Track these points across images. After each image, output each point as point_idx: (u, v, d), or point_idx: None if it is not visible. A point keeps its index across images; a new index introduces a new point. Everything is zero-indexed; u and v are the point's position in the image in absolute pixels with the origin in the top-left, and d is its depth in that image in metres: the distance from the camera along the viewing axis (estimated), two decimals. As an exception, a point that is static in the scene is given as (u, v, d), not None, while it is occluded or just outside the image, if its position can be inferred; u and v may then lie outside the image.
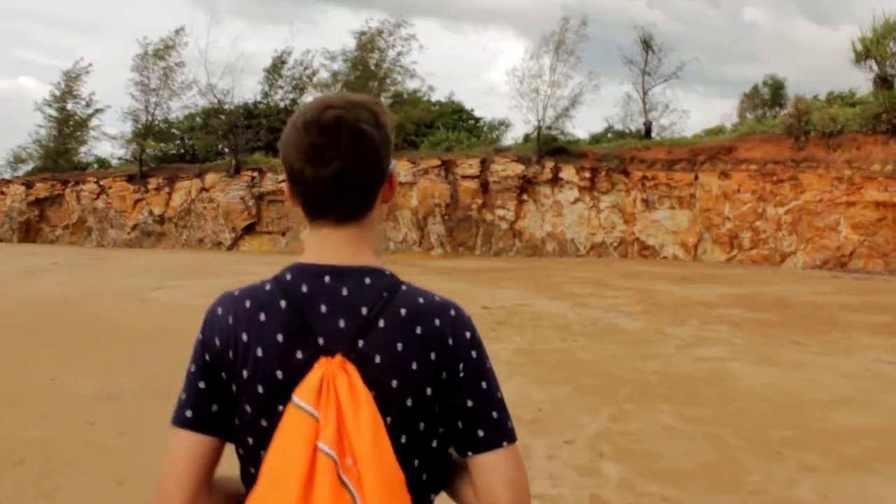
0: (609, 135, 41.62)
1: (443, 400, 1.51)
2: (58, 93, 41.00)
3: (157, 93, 38.70)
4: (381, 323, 1.48)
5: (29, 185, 39.92)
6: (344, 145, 1.48)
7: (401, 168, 33.74)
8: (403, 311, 1.50)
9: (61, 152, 41.56)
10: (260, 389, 1.47)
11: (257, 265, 23.28)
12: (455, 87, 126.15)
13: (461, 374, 1.51)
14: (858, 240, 27.85)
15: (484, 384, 1.53)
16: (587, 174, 32.48)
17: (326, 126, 1.48)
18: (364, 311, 1.48)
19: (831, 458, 6.44)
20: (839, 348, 11.46)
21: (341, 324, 1.47)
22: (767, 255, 29.92)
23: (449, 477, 1.61)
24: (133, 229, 37.82)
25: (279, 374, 1.46)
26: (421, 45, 38.56)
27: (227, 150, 38.01)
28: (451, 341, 1.51)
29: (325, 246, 1.55)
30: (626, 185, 32.63)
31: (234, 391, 1.51)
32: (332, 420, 1.36)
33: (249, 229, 36.28)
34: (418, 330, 1.49)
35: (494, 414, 1.52)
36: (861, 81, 38.76)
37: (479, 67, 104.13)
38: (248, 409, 1.49)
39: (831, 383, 9.18)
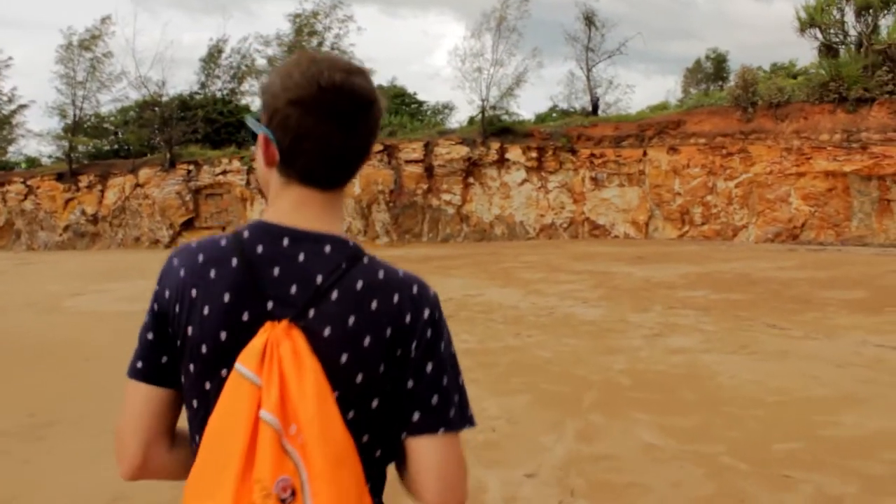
0: (554, 114, 40.36)
1: (394, 378, 1.41)
2: (-24, 88, 38.42)
3: (84, 86, 36.35)
4: (335, 294, 1.38)
5: (-50, 187, 37.48)
6: (370, 119, 1.44)
7: (342, 155, 32.11)
8: (360, 284, 1.40)
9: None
10: (203, 349, 1.39)
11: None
12: (397, 72, 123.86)
13: (412, 354, 1.41)
14: (809, 211, 27.04)
15: (430, 366, 1.43)
16: (534, 154, 31.20)
17: (360, 96, 1.41)
18: (319, 279, 1.39)
19: (852, 479, 5.13)
20: (820, 330, 10.25)
21: (293, 290, 1.38)
22: (719, 230, 28.98)
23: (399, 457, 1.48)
24: (65, 230, 35.62)
25: (223, 335, 1.38)
26: (359, 27, 36.83)
27: (162, 143, 35.90)
28: (407, 318, 1.41)
29: (294, 208, 1.45)
30: (573, 164, 31.44)
31: (179, 346, 1.44)
32: (275, 387, 1.28)
33: (188, 225, 34.33)
34: (373, 304, 1.39)
35: (435, 399, 1.42)
36: (802, 53, 38.18)
37: (420, 52, 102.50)
38: (191, 368, 1.42)
39: (825, 376, 7.91)
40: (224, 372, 1.37)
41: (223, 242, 1.45)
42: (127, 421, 1.47)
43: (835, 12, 29.05)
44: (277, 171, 1.47)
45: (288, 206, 1.46)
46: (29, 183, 36.26)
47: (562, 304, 13.32)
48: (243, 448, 1.26)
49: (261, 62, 36.89)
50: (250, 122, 1.49)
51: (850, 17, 28.87)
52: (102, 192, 35.28)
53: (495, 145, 31.26)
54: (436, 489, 1.40)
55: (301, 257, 1.40)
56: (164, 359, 1.47)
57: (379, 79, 44.62)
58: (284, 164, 1.45)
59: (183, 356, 1.44)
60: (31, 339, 11.56)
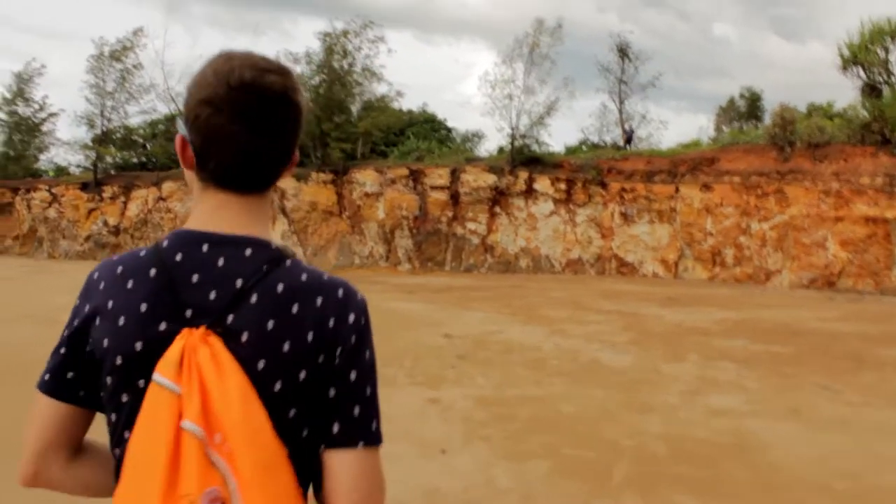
0: (584, 147, 39.24)
1: (315, 386, 1.34)
2: (9, 95, 37.96)
3: (112, 96, 35.75)
4: (254, 298, 1.32)
5: (-25, 193, 36.96)
6: (283, 118, 1.37)
7: (367, 178, 31.14)
8: (280, 287, 1.33)
9: (12, 158, 38.46)
10: (118, 360, 1.33)
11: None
12: (428, 99, 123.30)
13: (336, 361, 1.35)
14: (847, 257, 25.65)
15: (353, 375, 1.36)
16: (563, 185, 30.01)
17: (272, 95, 1.34)
18: (238, 283, 1.32)
19: None
20: (881, 396, 8.96)
21: (212, 296, 1.32)
22: (752, 274, 27.60)
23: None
24: (86, 240, 34.92)
25: (138, 345, 1.31)
26: (390, 48, 35.80)
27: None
28: (331, 323, 1.35)
29: (214, 213, 1.39)
30: (603, 198, 30.17)
31: (95, 360, 1.36)
32: (196, 394, 1.23)
33: (208, 241, 33.50)
34: (294, 308, 1.33)
35: (357, 410, 1.35)
36: (837, 95, 36.87)
37: (452, 80, 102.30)
38: (108, 381, 1.35)
39: (898, 456, 6.67)
40: (142, 383, 1.31)
41: (142, 253, 1.39)
42: (28, 430, 1.42)
43: (879, 51, 27.81)
44: (196, 175, 1.41)
45: (207, 211, 1.39)
46: (54, 191, 35.69)
47: (588, 347, 12.12)
48: (167, 461, 1.21)
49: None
50: (178, 122, 1.41)
51: (894, 55, 27.62)
52: (125, 203, 34.59)
53: (523, 175, 30.13)
54: None
55: (220, 262, 1.34)
56: (70, 374, 1.39)
57: (409, 104, 43.95)
58: (199, 167, 1.39)
59: (101, 370, 1.35)
60: (20, 352, 10.55)
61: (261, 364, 1.28)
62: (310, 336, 1.32)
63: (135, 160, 41.21)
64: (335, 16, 36.68)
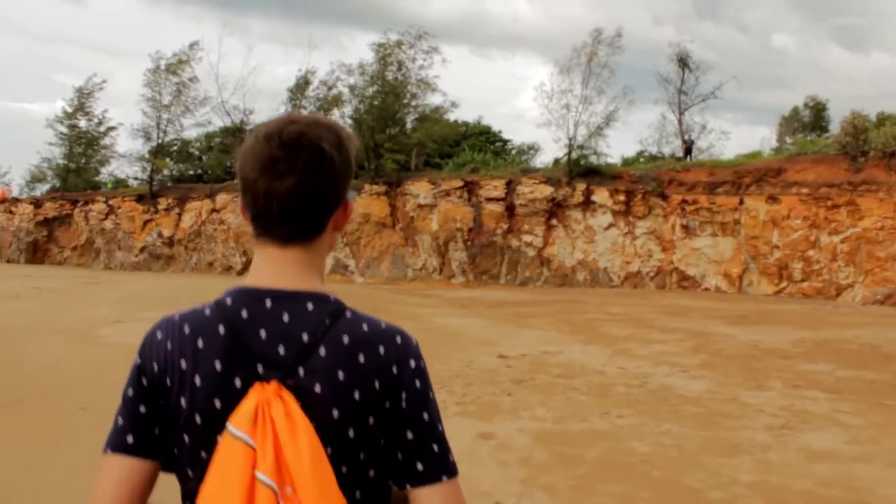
0: (641, 159, 37.81)
1: (385, 429, 1.38)
2: (70, 109, 37.91)
3: (168, 109, 35.44)
4: (322, 351, 1.35)
5: (38, 205, 36.91)
6: (302, 161, 1.37)
7: (421, 190, 30.18)
8: (346, 339, 1.37)
9: (73, 170, 38.43)
10: (198, 419, 1.34)
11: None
12: (484, 112, 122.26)
13: (403, 405, 1.39)
14: (925, 272, 23.95)
15: (426, 415, 1.41)
16: (622, 197, 28.72)
17: (287, 140, 1.37)
18: (305, 337, 1.36)
19: None
20: None
21: (281, 350, 1.35)
22: (821, 289, 26.00)
23: None
24: (141, 251, 34.59)
25: (217, 403, 1.33)
26: (444, 58, 34.87)
27: (240, 169, 34.69)
28: (395, 370, 1.39)
29: (270, 268, 1.42)
30: (663, 210, 28.82)
31: (172, 418, 1.37)
32: (270, 448, 1.25)
33: (261, 253, 32.86)
34: (361, 358, 1.37)
35: (435, 447, 1.40)
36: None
37: (507, 94, 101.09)
38: (186, 438, 1.37)
39: None
40: (220, 439, 1.31)
41: (207, 312, 1.40)
42: (103, 497, 1.37)
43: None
44: (252, 231, 1.46)
45: (264, 267, 1.43)
46: (110, 203, 35.48)
47: (656, 371, 10.91)
48: None
49: (342, 90, 35.34)
50: None
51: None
52: (180, 215, 34.20)
53: (581, 186, 28.91)
54: None
55: (285, 317, 1.37)
56: (157, 431, 1.39)
57: (464, 117, 42.99)
58: (252, 223, 1.44)
59: (176, 428, 1.37)
60: (39, 373, 9.75)
61: (335, 413, 1.32)
62: (377, 383, 1.36)
63: (191, 172, 40.95)
64: (391, 29, 35.89)
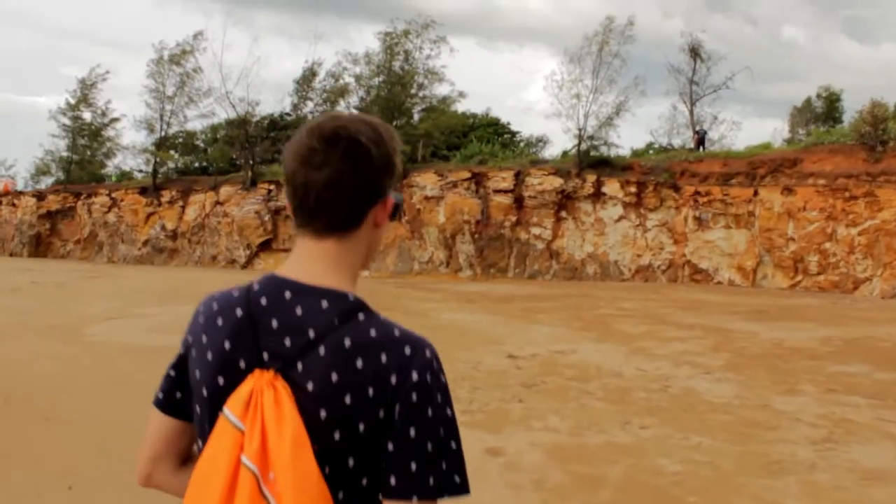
0: (651, 151, 36.78)
1: (375, 438, 1.35)
2: (73, 101, 37.06)
3: (172, 100, 34.56)
4: (322, 350, 1.34)
5: (40, 198, 36.14)
6: (338, 153, 1.38)
7: (427, 181, 29.28)
8: (348, 342, 1.34)
9: (76, 163, 37.62)
10: (204, 392, 1.40)
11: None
12: (491, 105, 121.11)
13: (395, 416, 1.34)
14: (946, 266, 23.00)
15: (412, 431, 1.34)
16: (633, 189, 27.76)
17: (326, 133, 1.39)
18: (311, 334, 1.35)
19: None
20: None
21: (287, 342, 1.36)
22: (838, 282, 25.03)
23: None
24: (144, 245, 33.78)
25: (220, 380, 1.38)
26: (451, 48, 33.92)
27: (244, 161, 33.77)
28: (393, 380, 1.34)
29: (302, 259, 1.43)
30: (676, 202, 27.85)
31: (190, 388, 1.45)
32: (257, 434, 1.28)
33: (265, 246, 32.03)
34: (359, 363, 1.34)
35: (413, 465, 1.33)
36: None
37: (515, 87, 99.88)
38: (197, 409, 1.43)
39: None
40: (219, 414, 1.35)
41: (235, 293, 1.43)
42: (144, 439, 1.51)
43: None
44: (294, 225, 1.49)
45: (296, 258, 1.44)
46: (113, 195, 34.69)
47: (677, 372, 10.03)
48: (224, 489, 1.26)
49: (348, 80, 34.43)
50: None
51: None
52: (183, 207, 33.40)
53: (591, 178, 27.96)
54: None
55: (298, 310, 1.37)
56: (179, 395, 1.47)
57: (473, 109, 42.08)
58: (293, 215, 1.46)
59: (191, 397, 1.44)
60: (7, 374, 8.93)
61: (322, 413, 1.31)
62: (370, 391, 1.32)
63: (196, 165, 40.13)
64: (398, 18, 35.01)
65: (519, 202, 28.44)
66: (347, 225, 1.40)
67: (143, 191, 34.10)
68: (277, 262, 31.00)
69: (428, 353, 1.38)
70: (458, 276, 28.47)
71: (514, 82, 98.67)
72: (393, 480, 1.32)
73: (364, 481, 1.34)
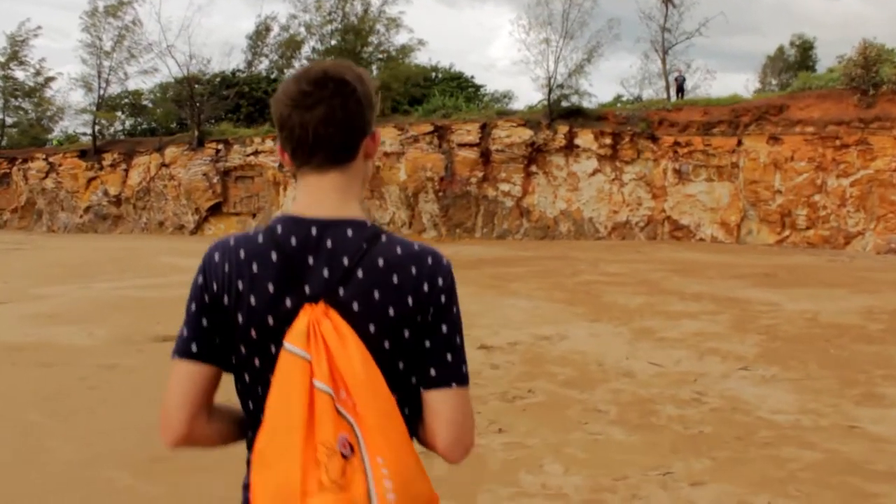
0: (619, 104, 33.89)
1: (417, 340, 1.46)
2: (2, 58, 33.24)
3: (110, 56, 30.95)
4: (360, 273, 1.42)
5: (-29, 165, 32.52)
6: (328, 92, 1.44)
7: (387, 136, 26.18)
8: (381, 262, 1.44)
9: (11, 126, 33.95)
10: (253, 334, 1.45)
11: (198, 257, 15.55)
12: (454, 61, 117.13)
13: (430, 318, 1.46)
14: (944, 216, 20.61)
15: (444, 328, 1.47)
16: (608, 140, 24.96)
17: (314, 77, 1.45)
18: (346, 261, 1.43)
19: None
20: None
21: (325, 273, 1.42)
22: (828, 237, 22.60)
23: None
24: (86, 212, 30.45)
25: (270, 320, 1.43)
26: (407, -5, 30.65)
27: (190, 120, 30.35)
28: (425, 287, 1.45)
29: (311, 195, 1.49)
30: (654, 154, 25.13)
31: (230, 331, 1.47)
32: (324, 359, 1.33)
33: (215, 210, 28.87)
34: (395, 279, 1.43)
35: (449, 356, 1.47)
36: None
37: (477, 43, 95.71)
38: (242, 349, 1.47)
39: None
40: (273, 349, 1.40)
41: (259, 239, 1.46)
42: (173, 397, 1.47)
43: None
44: (292, 167, 1.52)
45: (305, 195, 1.48)
46: (51, 160, 31.19)
47: (706, 369, 7.29)
48: (304, 415, 1.31)
49: (301, 32, 31.06)
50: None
51: None
52: (127, 171, 30.06)
53: (563, 129, 25.08)
54: (448, 436, 1.43)
55: (329, 243, 1.43)
56: (217, 340, 1.48)
57: (434, 62, 38.89)
58: (291, 159, 1.50)
59: (234, 340, 1.46)
60: None
61: (371, 328, 1.39)
62: (409, 300, 1.41)
63: (143, 126, 36.61)
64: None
65: (486, 157, 25.55)
66: (345, 157, 1.47)
67: (83, 154, 30.65)
68: (229, 228, 27.90)
69: (444, 261, 1.49)
70: (421, 237, 25.58)
71: (476, 38, 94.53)
72: (433, 371, 1.44)
73: (413, 380, 1.46)
